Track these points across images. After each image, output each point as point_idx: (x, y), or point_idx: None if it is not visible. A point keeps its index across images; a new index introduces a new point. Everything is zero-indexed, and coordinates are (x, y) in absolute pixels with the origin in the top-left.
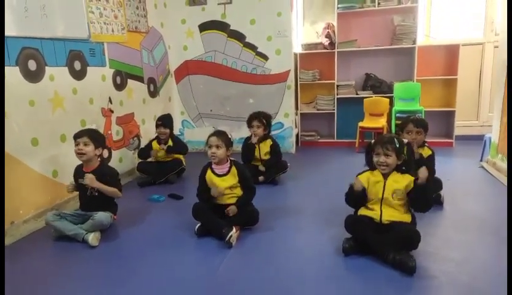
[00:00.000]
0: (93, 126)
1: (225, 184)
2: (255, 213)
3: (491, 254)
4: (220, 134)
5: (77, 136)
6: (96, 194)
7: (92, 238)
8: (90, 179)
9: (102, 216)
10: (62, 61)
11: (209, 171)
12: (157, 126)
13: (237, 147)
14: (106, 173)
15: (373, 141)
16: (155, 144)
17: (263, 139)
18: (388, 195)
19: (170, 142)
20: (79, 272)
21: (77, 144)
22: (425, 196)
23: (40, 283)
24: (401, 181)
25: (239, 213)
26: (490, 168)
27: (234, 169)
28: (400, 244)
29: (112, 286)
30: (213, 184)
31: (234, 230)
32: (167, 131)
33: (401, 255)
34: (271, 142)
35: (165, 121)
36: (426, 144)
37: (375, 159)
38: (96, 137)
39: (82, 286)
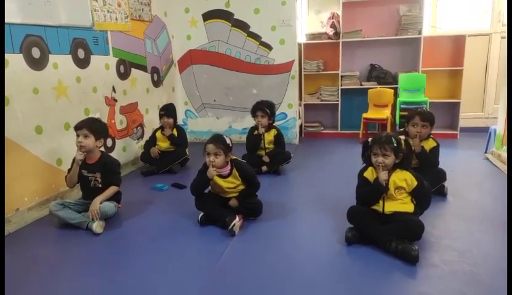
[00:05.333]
0: (97, 115)
1: (228, 184)
2: (259, 205)
3: (494, 244)
4: (218, 140)
5: (77, 128)
6: (100, 186)
7: (96, 225)
8: (94, 210)
9: (107, 207)
10: (66, 49)
11: None
12: (160, 116)
13: (241, 138)
14: (107, 164)
15: (370, 139)
16: (159, 134)
17: (267, 128)
18: (391, 191)
19: (175, 132)
20: (83, 258)
21: (77, 136)
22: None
23: (44, 268)
24: (404, 178)
25: (240, 205)
26: (494, 159)
27: (235, 171)
28: (404, 234)
29: (115, 271)
30: (215, 184)
31: (237, 218)
32: (171, 120)
33: (403, 244)
34: (276, 132)
35: (168, 111)
36: (431, 136)
37: (373, 159)
38: (96, 129)
39: (85, 272)
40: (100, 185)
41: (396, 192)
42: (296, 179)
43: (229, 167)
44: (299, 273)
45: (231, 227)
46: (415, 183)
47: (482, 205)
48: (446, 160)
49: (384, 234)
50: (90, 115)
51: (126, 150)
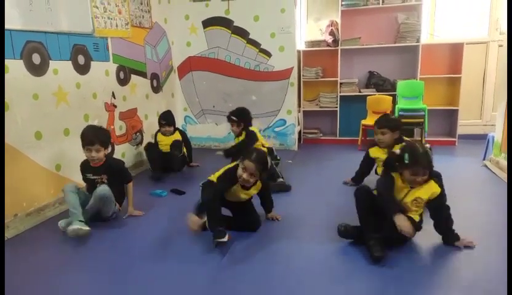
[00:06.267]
0: (95, 123)
1: (246, 196)
2: (258, 221)
3: (493, 252)
4: (262, 164)
5: (89, 144)
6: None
7: (73, 229)
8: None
9: (103, 190)
10: (66, 55)
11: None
12: (160, 125)
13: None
14: (113, 166)
15: (403, 153)
16: (160, 136)
17: (238, 134)
18: (408, 200)
19: (178, 135)
20: (82, 264)
21: (89, 151)
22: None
23: (42, 274)
24: (424, 190)
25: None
26: (493, 166)
27: (259, 183)
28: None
29: (114, 277)
30: (233, 194)
31: (227, 237)
32: (171, 128)
33: (376, 246)
34: (243, 137)
35: (169, 120)
36: (403, 142)
37: (410, 177)
38: (105, 140)
39: (84, 278)
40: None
41: (414, 203)
42: (294, 185)
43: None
44: (298, 283)
45: (216, 242)
46: (438, 190)
47: (481, 212)
48: (445, 167)
49: (375, 226)
50: (89, 122)
51: (125, 156)
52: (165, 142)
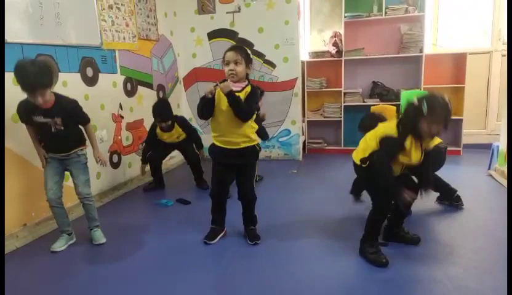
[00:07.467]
0: (103, 133)
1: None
2: (252, 193)
3: (498, 261)
4: (238, 48)
5: (31, 90)
6: (62, 128)
7: (58, 245)
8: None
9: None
10: (75, 68)
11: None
12: (156, 120)
13: None
14: (67, 107)
15: (426, 105)
16: (161, 133)
17: None
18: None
19: (178, 129)
20: (91, 275)
21: (32, 97)
22: None
23: (52, 283)
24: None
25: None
26: (498, 176)
27: (248, 88)
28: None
29: (120, 289)
30: (220, 106)
31: (222, 234)
32: (169, 122)
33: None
34: None
35: (164, 115)
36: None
37: (427, 129)
38: (46, 78)
39: (93, 290)
40: (62, 128)
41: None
42: (299, 195)
43: (245, 84)
44: (304, 292)
45: (212, 241)
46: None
47: (486, 222)
48: (450, 176)
49: None
50: (97, 132)
51: (131, 166)
52: (166, 137)
